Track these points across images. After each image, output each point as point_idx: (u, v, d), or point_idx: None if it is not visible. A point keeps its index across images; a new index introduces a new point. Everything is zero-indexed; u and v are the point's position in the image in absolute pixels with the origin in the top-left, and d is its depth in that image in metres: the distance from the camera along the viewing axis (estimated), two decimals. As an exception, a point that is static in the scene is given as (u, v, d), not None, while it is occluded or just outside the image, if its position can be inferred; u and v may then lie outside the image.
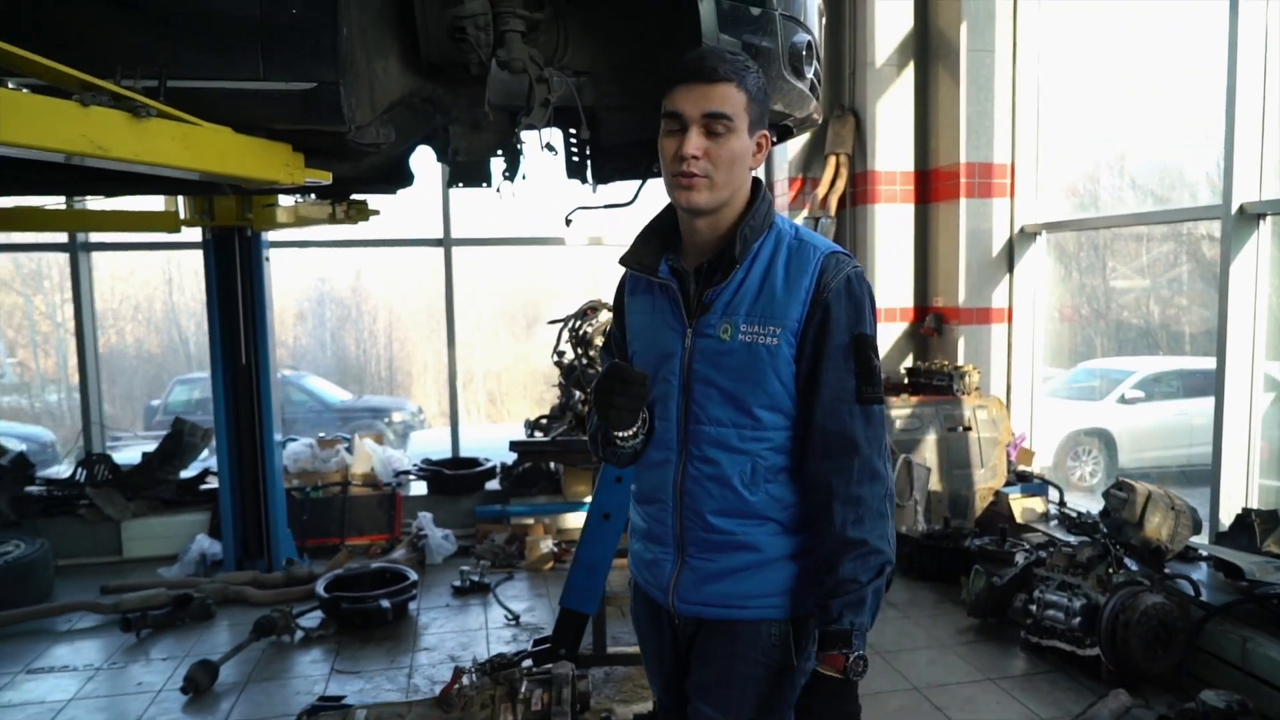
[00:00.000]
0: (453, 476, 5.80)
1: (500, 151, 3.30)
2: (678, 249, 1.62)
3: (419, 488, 5.87)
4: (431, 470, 5.89)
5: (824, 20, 2.86)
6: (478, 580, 4.74)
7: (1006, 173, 5.57)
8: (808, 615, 1.58)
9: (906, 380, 5.64)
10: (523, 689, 2.82)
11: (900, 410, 5.20)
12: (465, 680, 2.92)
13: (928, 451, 5.14)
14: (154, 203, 4.91)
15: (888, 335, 5.93)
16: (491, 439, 6.65)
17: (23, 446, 6.14)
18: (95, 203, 4.89)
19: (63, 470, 6.17)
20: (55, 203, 4.55)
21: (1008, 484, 5.31)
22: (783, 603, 1.56)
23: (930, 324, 5.78)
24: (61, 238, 5.81)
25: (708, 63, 1.49)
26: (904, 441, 5.03)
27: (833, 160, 5.87)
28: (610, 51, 2.72)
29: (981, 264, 5.60)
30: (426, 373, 12.23)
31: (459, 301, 6.27)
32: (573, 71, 2.73)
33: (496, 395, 12.36)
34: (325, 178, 2.58)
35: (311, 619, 4.21)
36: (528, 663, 3.01)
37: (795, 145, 6.05)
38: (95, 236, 5.92)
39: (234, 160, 2.21)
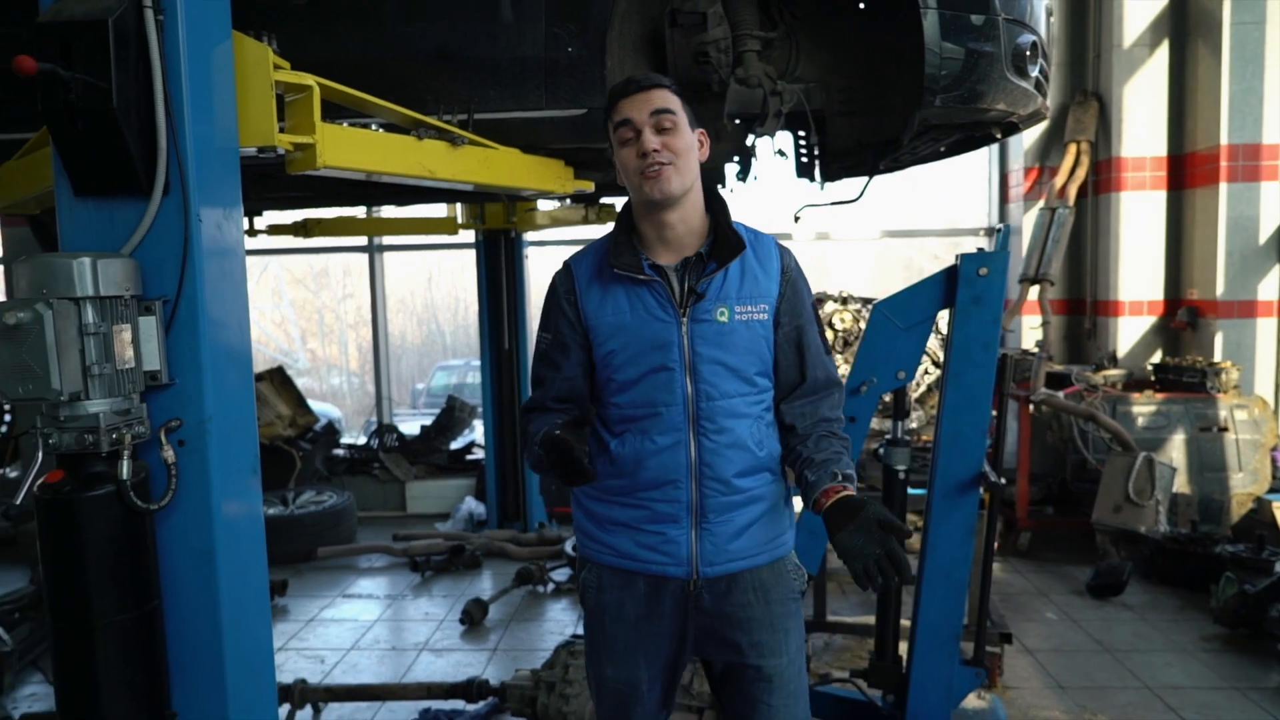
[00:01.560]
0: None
1: (735, 156, 3.63)
2: (642, 251, 1.75)
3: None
4: (663, 451, 6.34)
5: (1052, 18, 2.92)
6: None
7: (1278, 154, 5.12)
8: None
9: (1153, 376, 5.35)
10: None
11: (1143, 407, 4.97)
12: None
13: (1174, 451, 4.87)
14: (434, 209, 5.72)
15: (1133, 329, 5.63)
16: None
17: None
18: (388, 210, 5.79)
19: (355, 438, 7.28)
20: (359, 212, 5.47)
21: (1272, 490, 4.91)
22: (787, 539, 1.83)
23: (1182, 317, 5.43)
24: (361, 241, 6.87)
25: (639, 77, 1.73)
26: (1146, 440, 4.81)
27: (1073, 148, 5.66)
28: (838, 62, 2.96)
29: (1245, 253, 5.19)
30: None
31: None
32: (803, 82, 2.99)
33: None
34: (589, 186, 3.03)
35: (561, 573, 4.78)
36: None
37: (1032, 134, 5.90)
38: (386, 239, 6.94)
39: (522, 175, 2.70)
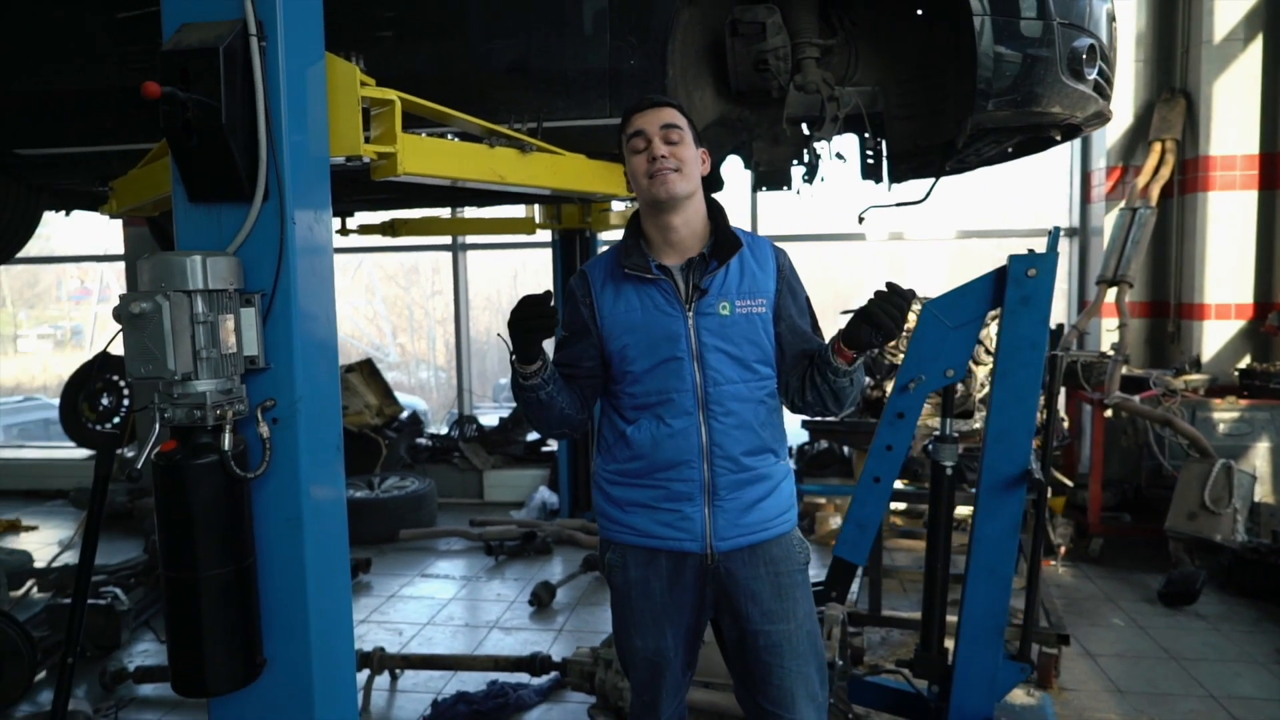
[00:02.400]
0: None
1: (798, 159, 3.71)
2: (649, 253, 1.93)
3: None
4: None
5: (1115, 23, 2.92)
6: (769, 547, 5.21)
7: (1380, 152, 4.91)
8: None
9: (1239, 382, 5.18)
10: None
11: (1225, 414, 4.83)
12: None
13: (1258, 459, 4.73)
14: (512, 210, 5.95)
15: (1219, 333, 5.46)
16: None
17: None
18: (470, 211, 6.05)
19: (439, 429, 7.61)
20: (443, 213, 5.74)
21: (1365, 503, 4.71)
22: (791, 516, 1.98)
23: (1273, 322, 5.24)
24: (446, 240, 7.18)
25: (652, 96, 1.96)
26: (1227, 447, 4.68)
27: (1157, 146, 5.51)
28: (896, 68, 3.03)
29: (1342, 255, 4.99)
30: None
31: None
32: (862, 87, 3.07)
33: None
34: (652, 190, 3.16)
35: (627, 562, 4.94)
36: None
37: (1114, 132, 5.77)
38: (469, 239, 7.24)
39: (587, 179, 2.86)
